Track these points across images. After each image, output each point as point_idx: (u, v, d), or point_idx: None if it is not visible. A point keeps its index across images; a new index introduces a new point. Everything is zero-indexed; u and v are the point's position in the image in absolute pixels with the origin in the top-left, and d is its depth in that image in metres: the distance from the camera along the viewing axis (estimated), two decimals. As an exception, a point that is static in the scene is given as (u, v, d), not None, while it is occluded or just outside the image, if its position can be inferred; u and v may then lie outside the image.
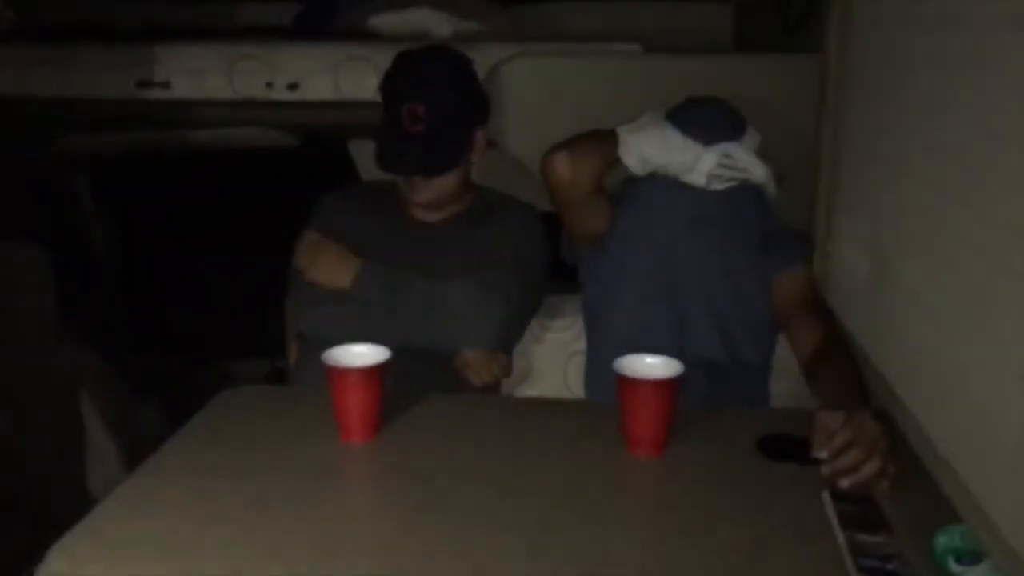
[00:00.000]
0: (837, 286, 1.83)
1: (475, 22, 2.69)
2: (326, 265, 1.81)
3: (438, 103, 1.82)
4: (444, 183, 1.87)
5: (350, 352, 1.44)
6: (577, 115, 2.09)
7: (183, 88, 2.14)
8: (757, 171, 1.77)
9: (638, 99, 2.00)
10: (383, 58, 2.04)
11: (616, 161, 1.79)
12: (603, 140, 1.79)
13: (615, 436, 1.41)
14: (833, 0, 1.84)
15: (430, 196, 1.87)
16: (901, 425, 1.40)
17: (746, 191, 1.79)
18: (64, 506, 2.11)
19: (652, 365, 1.41)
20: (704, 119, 1.76)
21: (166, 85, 2.15)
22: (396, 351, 1.47)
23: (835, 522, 1.18)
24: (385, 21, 2.66)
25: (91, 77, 2.16)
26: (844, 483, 1.26)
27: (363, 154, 2.95)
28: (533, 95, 2.09)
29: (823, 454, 1.27)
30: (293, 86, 2.14)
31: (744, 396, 1.78)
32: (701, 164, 1.73)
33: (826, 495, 1.25)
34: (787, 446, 1.40)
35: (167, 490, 1.28)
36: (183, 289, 3.52)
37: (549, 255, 1.95)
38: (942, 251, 1.38)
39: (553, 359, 1.99)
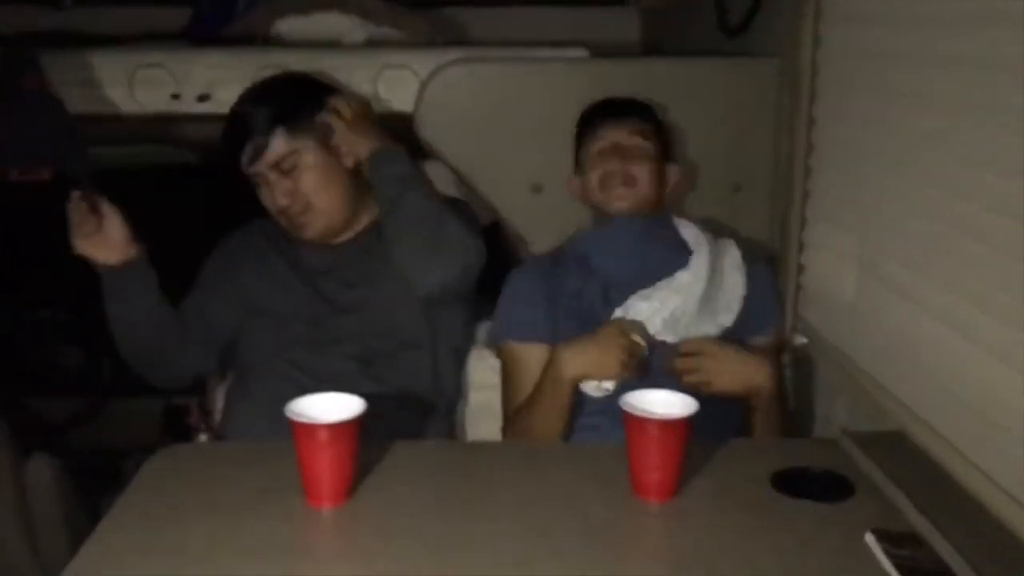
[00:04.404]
0: (818, 298, 1.74)
1: (389, 27, 2.51)
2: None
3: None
4: (321, 201, 1.69)
5: (318, 404, 1.22)
6: (519, 122, 1.97)
7: (76, 101, 1.87)
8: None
9: (584, 105, 1.88)
10: (303, 66, 1.88)
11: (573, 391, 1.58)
12: (546, 395, 1.57)
13: (616, 481, 1.27)
14: (794, 4, 1.75)
15: (299, 207, 1.69)
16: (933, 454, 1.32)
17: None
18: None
19: (661, 401, 1.26)
20: None
21: (56, 97, 1.89)
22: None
23: (894, 572, 1.07)
24: (292, 27, 2.45)
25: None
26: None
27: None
28: (473, 102, 1.94)
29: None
30: (204, 98, 1.91)
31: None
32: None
33: (870, 537, 1.13)
34: (805, 482, 1.29)
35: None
36: (59, 324, 3.17)
37: None
38: (936, 243, 1.33)
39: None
